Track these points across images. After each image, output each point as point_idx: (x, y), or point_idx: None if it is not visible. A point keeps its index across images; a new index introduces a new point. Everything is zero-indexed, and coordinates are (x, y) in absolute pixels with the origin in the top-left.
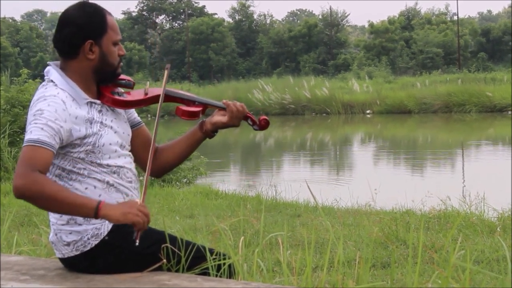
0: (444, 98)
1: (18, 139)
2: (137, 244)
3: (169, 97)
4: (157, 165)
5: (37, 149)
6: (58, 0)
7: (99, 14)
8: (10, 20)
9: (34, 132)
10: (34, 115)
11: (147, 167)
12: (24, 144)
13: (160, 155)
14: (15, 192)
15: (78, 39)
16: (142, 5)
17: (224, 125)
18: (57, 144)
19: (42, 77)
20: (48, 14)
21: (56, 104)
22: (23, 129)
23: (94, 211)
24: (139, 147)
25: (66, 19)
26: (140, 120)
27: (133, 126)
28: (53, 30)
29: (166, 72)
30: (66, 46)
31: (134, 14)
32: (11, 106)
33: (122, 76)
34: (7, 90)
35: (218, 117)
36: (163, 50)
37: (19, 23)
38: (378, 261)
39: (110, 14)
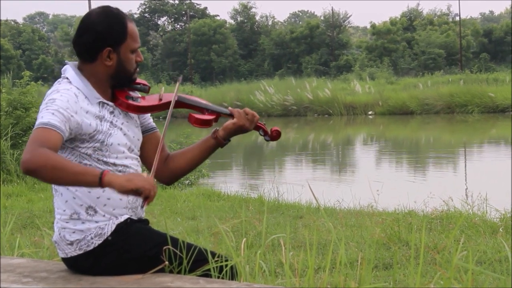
0: (446, 99)
1: (20, 141)
2: (143, 208)
3: (182, 104)
4: (169, 171)
5: (47, 131)
6: (60, 1)
7: (121, 22)
8: (12, 23)
9: (45, 116)
10: (46, 104)
11: (162, 135)
12: (34, 128)
13: (172, 161)
14: (22, 168)
15: (97, 46)
16: (144, 7)
17: (235, 126)
18: (67, 131)
19: (44, 79)
20: (50, 17)
21: (68, 96)
22: (25, 131)
23: (99, 178)
24: (150, 153)
25: (88, 25)
26: (155, 126)
27: (147, 131)
28: (55, 32)
29: (177, 84)
30: (84, 51)
31: (136, 16)
32: (13, 109)
33: (138, 80)
34: (9, 92)
35: (229, 122)
36: (165, 52)
37: (21, 26)
38: (380, 262)
39: (131, 21)
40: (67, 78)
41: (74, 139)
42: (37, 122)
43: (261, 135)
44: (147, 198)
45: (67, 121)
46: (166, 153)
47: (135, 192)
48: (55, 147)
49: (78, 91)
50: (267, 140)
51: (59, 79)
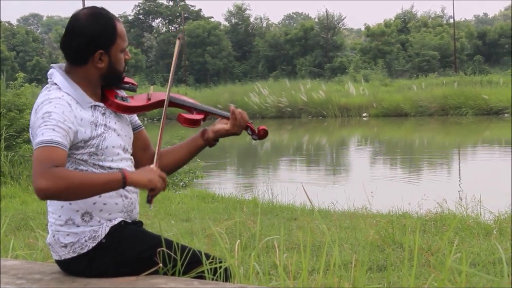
0: (440, 101)
1: (14, 143)
2: (151, 208)
3: (172, 104)
4: None
5: (52, 149)
6: (55, 1)
7: (110, 23)
8: (6, 24)
9: (46, 133)
10: (42, 118)
11: (160, 131)
12: (37, 146)
13: (159, 159)
14: (40, 194)
15: (88, 49)
16: (138, 8)
17: (226, 133)
18: (68, 144)
19: (38, 81)
20: (44, 18)
21: (62, 106)
22: (19, 133)
23: (122, 183)
24: (138, 150)
25: (77, 28)
26: (140, 124)
27: (134, 129)
28: (49, 34)
29: (177, 43)
30: (75, 54)
31: (130, 17)
32: (7, 110)
33: (126, 79)
34: (3, 94)
35: (221, 125)
36: (159, 53)
37: (15, 27)
38: (375, 264)
39: (119, 20)
40: (55, 84)
41: (70, 147)
42: (38, 140)
43: (249, 134)
44: (154, 193)
45: (67, 134)
46: (153, 151)
47: (151, 189)
48: (63, 164)
49: (69, 98)
50: (254, 139)
51: (47, 85)
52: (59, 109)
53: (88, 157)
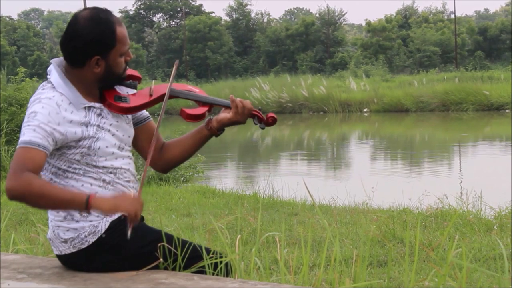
0: (441, 96)
1: (15, 137)
2: (128, 237)
3: (175, 97)
4: (164, 160)
5: (29, 150)
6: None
7: (109, 28)
8: (7, 19)
9: (26, 134)
10: (28, 117)
11: (146, 162)
12: (18, 146)
13: (167, 150)
14: (7, 194)
15: (85, 53)
16: (139, 3)
17: (230, 121)
18: (50, 145)
19: (39, 76)
20: (45, 13)
21: (50, 107)
22: (20, 128)
23: (85, 204)
24: (146, 143)
25: (76, 31)
26: (148, 115)
27: (141, 121)
28: (50, 29)
29: (174, 68)
30: (72, 56)
31: (131, 12)
32: (8, 105)
33: (129, 72)
34: (4, 88)
35: (224, 114)
36: (160, 48)
37: (16, 22)
38: (375, 259)
39: (120, 24)
40: (51, 83)
41: (61, 147)
42: (20, 140)
43: (255, 123)
44: (131, 221)
45: (50, 135)
46: (162, 142)
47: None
48: (39, 167)
49: (61, 98)
50: (262, 128)
51: (43, 83)
52: (46, 110)
53: (81, 157)
